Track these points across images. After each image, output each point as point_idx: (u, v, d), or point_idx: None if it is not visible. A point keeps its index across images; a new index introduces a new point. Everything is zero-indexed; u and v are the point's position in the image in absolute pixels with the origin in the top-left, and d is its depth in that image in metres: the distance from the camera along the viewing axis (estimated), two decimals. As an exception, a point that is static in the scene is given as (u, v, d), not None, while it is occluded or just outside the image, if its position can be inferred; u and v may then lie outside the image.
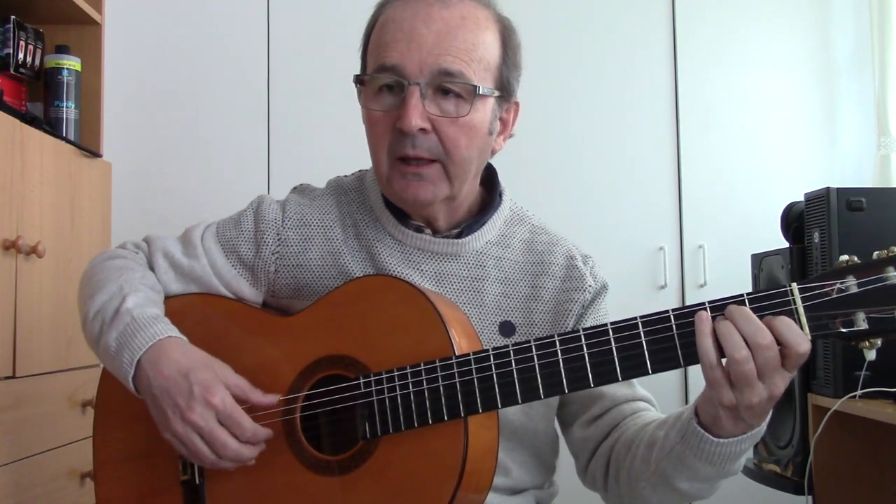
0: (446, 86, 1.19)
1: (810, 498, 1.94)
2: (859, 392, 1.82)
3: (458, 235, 1.30)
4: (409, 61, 1.18)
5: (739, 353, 0.98)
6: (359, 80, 1.25)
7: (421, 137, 1.19)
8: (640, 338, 1.05)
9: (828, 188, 1.93)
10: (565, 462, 1.37)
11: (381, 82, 1.21)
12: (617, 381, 1.06)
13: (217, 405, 1.14)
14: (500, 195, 1.35)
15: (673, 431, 1.12)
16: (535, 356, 1.08)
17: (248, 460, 1.16)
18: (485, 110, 1.23)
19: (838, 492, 1.96)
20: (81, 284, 1.33)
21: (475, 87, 1.20)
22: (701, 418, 1.08)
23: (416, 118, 1.17)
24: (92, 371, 2.15)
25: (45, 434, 1.95)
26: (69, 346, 2.08)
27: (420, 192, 1.22)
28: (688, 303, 2.02)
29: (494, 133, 1.27)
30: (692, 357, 1.03)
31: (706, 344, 1.00)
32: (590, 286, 1.31)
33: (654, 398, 1.33)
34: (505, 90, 1.26)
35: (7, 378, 1.84)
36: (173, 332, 1.21)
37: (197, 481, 1.22)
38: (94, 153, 2.33)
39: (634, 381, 1.30)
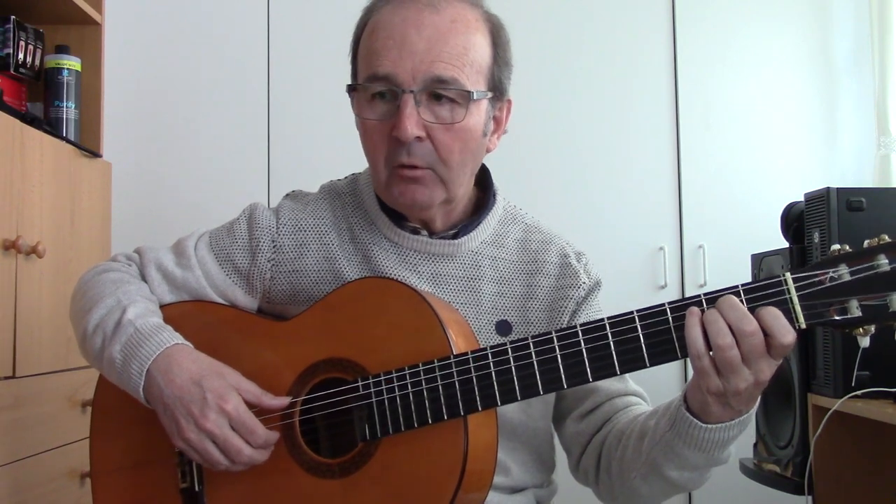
0: (440, 92, 1.18)
1: (810, 498, 1.94)
2: (859, 392, 1.82)
3: (454, 236, 1.30)
4: (401, 69, 1.17)
5: (724, 339, 1.00)
6: (351, 89, 1.24)
7: (416, 145, 1.19)
8: (636, 332, 1.05)
9: (828, 188, 1.93)
10: (565, 461, 1.37)
11: (374, 91, 1.20)
12: (615, 374, 1.07)
13: (231, 412, 1.14)
14: (494, 195, 1.35)
15: (663, 420, 1.13)
16: (532, 353, 1.09)
17: (260, 462, 1.16)
18: (479, 113, 1.23)
19: (838, 492, 1.96)
20: (75, 299, 1.32)
21: (469, 92, 1.19)
22: (690, 406, 1.09)
23: (411, 127, 1.17)
24: (91, 371, 2.12)
25: (45, 434, 1.95)
26: (69, 346, 2.07)
27: (417, 196, 1.22)
28: (688, 303, 2.02)
29: (488, 133, 1.27)
30: (686, 350, 1.04)
31: (694, 333, 1.02)
32: (583, 283, 1.32)
33: (653, 393, 1.33)
34: (497, 90, 1.26)
35: (7, 378, 1.84)
36: (179, 339, 1.21)
37: (196, 488, 1.22)
38: (94, 153, 2.33)
39: (627, 376, 1.31)
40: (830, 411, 1.84)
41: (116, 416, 1.28)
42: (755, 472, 2.18)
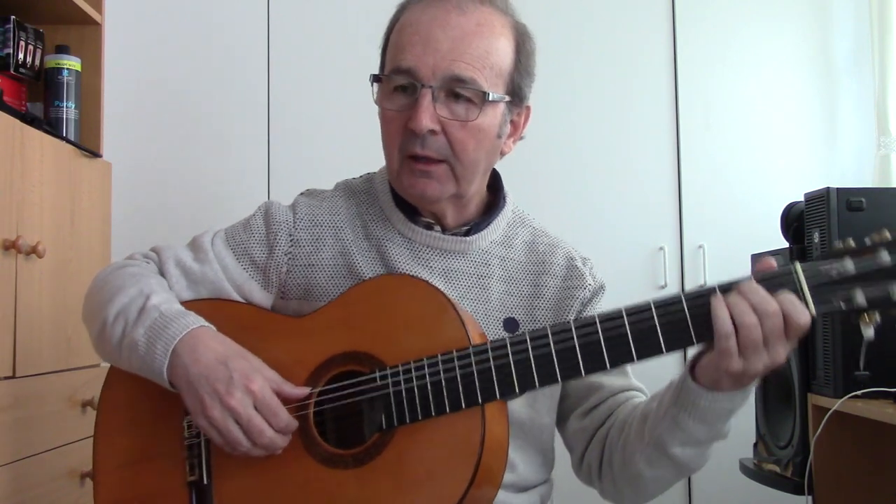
0: (458, 91, 1.23)
1: (810, 498, 1.94)
2: (859, 392, 1.82)
3: (466, 234, 1.34)
4: (423, 65, 1.22)
5: (749, 318, 1.04)
6: (376, 79, 1.29)
7: (431, 138, 1.23)
8: (653, 319, 1.09)
9: (828, 188, 1.93)
10: (562, 458, 1.38)
11: (396, 83, 1.25)
12: (632, 361, 1.10)
13: (256, 392, 1.15)
14: (504, 198, 1.39)
15: (667, 397, 1.17)
16: (551, 342, 1.11)
17: (278, 450, 1.17)
18: (494, 114, 1.27)
19: (838, 492, 1.96)
20: (93, 293, 1.32)
21: (485, 93, 1.24)
22: (700, 382, 1.12)
23: (426, 120, 1.22)
24: (92, 371, 2.15)
25: (45, 434, 1.95)
26: (69, 346, 2.07)
27: (427, 189, 1.27)
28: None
29: (504, 136, 1.32)
30: (703, 335, 1.07)
31: (723, 314, 1.05)
32: (589, 284, 1.36)
33: (653, 390, 1.34)
34: (516, 95, 1.30)
35: (7, 378, 1.84)
36: (203, 322, 1.22)
37: (205, 482, 1.21)
38: (94, 153, 2.33)
39: (629, 371, 1.35)
40: (830, 411, 1.84)
41: (124, 411, 1.28)
42: (755, 472, 2.18)
